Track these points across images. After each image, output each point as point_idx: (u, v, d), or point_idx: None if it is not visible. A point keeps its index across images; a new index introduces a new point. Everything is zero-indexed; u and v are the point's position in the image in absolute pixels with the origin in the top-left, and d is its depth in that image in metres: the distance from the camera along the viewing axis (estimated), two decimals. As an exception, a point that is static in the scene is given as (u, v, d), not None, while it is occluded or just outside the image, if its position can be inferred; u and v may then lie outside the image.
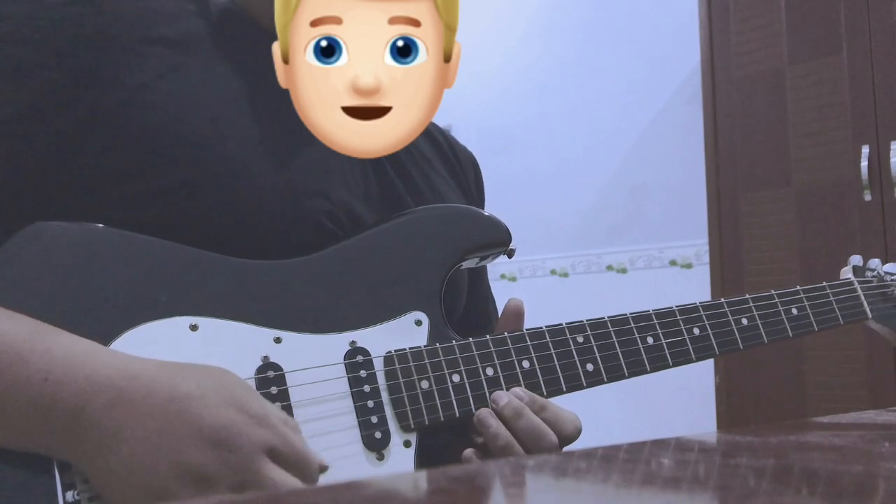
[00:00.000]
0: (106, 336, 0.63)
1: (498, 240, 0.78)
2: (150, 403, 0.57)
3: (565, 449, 0.73)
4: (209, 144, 0.70)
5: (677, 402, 2.75)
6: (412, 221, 0.77)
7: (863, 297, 0.91)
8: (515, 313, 0.79)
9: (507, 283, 3.20)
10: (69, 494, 0.59)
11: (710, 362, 2.32)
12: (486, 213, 0.80)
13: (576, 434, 0.73)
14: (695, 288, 2.70)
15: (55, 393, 0.57)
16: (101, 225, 0.67)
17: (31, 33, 0.68)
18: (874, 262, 0.96)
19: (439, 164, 0.91)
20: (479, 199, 0.96)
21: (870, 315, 0.91)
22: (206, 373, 0.60)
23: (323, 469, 0.62)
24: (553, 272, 3.14)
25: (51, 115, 0.67)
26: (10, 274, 0.63)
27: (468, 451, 0.71)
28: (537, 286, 3.15)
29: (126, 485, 0.56)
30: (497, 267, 3.16)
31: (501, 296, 0.96)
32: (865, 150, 2.09)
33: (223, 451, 0.56)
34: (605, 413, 2.85)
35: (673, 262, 2.90)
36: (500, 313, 0.95)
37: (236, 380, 0.60)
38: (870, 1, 2.13)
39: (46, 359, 0.58)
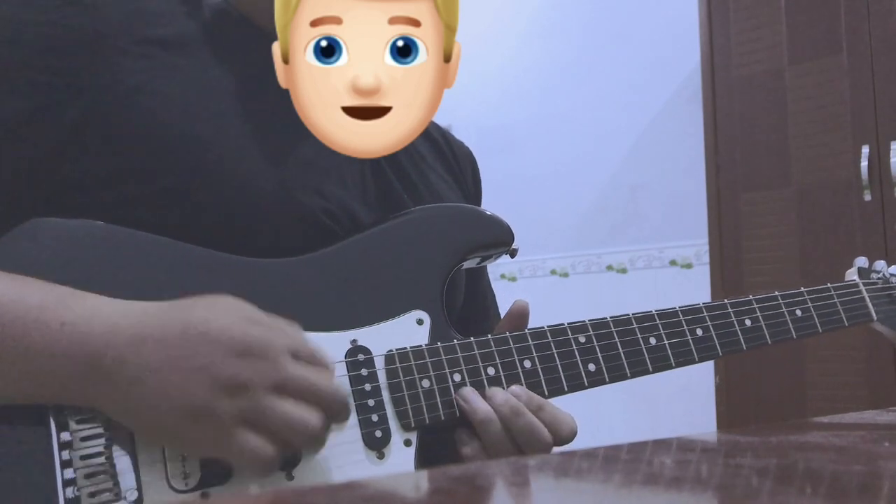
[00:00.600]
0: None
1: (501, 239, 0.78)
2: (171, 333, 0.59)
3: (566, 449, 0.72)
4: (204, 145, 0.70)
5: (678, 403, 2.75)
6: (415, 220, 0.77)
7: (868, 300, 0.90)
8: (519, 315, 0.79)
9: (507, 283, 3.20)
10: (64, 435, 0.60)
11: (710, 362, 2.32)
12: (490, 213, 0.80)
13: (571, 436, 0.73)
14: (695, 288, 2.70)
15: (73, 337, 0.59)
16: (100, 222, 0.67)
17: (23, 35, 0.67)
18: (880, 264, 0.95)
19: (437, 162, 0.90)
20: (477, 196, 0.96)
21: (875, 317, 0.90)
22: (213, 299, 0.62)
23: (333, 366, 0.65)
24: (553, 272, 3.14)
25: (42, 118, 0.67)
26: (7, 269, 0.63)
27: (467, 449, 0.71)
28: (537, 286, 3.15)
29: (165, 413, 0.58)
30: (497, 267, 3.16)
31: (501, 296, 0.96)
32: (865, 150, 2.09)
33: (251, 358, 0.59)
34: (606, 413, 2.85)
35: (673, 262, 2.90)
36: (500, 310, 0.95)
37: (241, 302, 0.63)
38: (870, 1, 2.13)
39: (62, 306, 0.60)
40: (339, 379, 0.68)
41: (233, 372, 0.58)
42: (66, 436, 0.60)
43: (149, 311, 0.61)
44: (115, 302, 0.62)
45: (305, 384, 0.60)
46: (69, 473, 0.60)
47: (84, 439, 0.60)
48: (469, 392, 0.70)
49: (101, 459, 0.60)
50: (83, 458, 0.60)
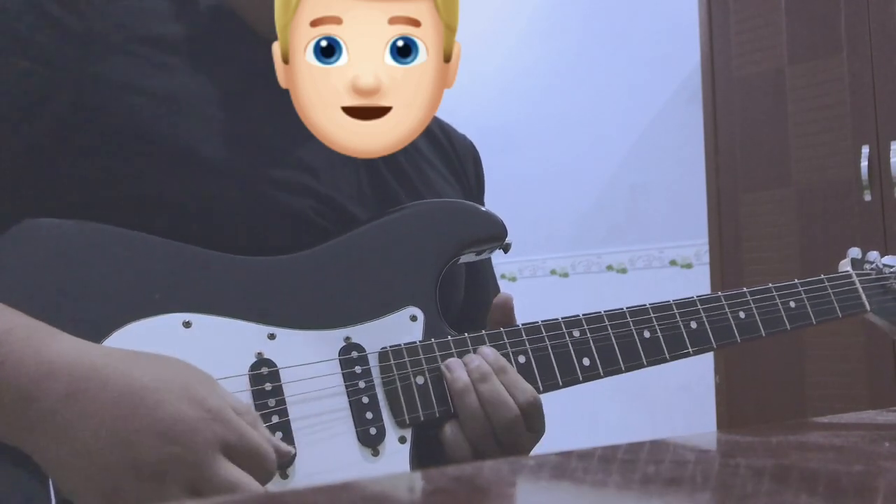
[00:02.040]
0: (98, 333, 0.63)
1: (493, 234, 0.78)
2: (104, 397, 0.55)
3: (565, 450, 0.72)
4: (192, 145, 0.70)
5: (677, 402, 2.75)
6: (406, 216, 0.76)
7: (861, 290, 0.90)
8: (501, 308, 0.78)
9: (507, 283, 3.20)
10: None
11: (710, 362, 2.32)
12: (482, 208, 0.80)
13: (529, 406, 0.70)
14: (695, 288, 2.70)
15: (9, 377, 0.56)
16: (92, 222, 0.66)
17: (13, 30, 0.67)
18: (873, 255, 0.95)
19: (436, 159, 0.90)
20: (479, 191, 0.96)
21: (868, 308, 0.90)
22: (164, 364, 0.59)
23: (286, 456, 0.60)
24: (553, 272, 3.14)
25: (29, 113, 0.67)
26: (1, 270, 0.63)
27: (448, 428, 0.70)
28: (537, 286, 3.14)
29: (79, 477, 0.55)
30: (497, 267, 3.15)
31: (501, 296, 0.96)
32: (865, 150, 2.09)
33: (176, 448, 0.54)
34: (605, 413, 2.85)
35: (673, 262, 2.90)
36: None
37: (195, 372, 0.59)
38: (870, 1, 2.13)
39: (4, 340, 0.57)
40: (332, 378, 0.68)
41: (153, 458, 0.54)
42: None
43: (91, 363, 0.57)
44: (61, 341, 0.58)
45: (225, 488, 0.55)
46: None
47: None
48: (454, 362, 0.70)
49: None
50: None
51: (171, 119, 0.69)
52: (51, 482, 0.58)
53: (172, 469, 0.54)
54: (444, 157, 0.92)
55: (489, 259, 0.91)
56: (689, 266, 2.87)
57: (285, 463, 0.62)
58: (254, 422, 0.59)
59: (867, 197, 2.08)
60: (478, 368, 0.70)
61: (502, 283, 3.18)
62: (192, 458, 0.55)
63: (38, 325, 0.59)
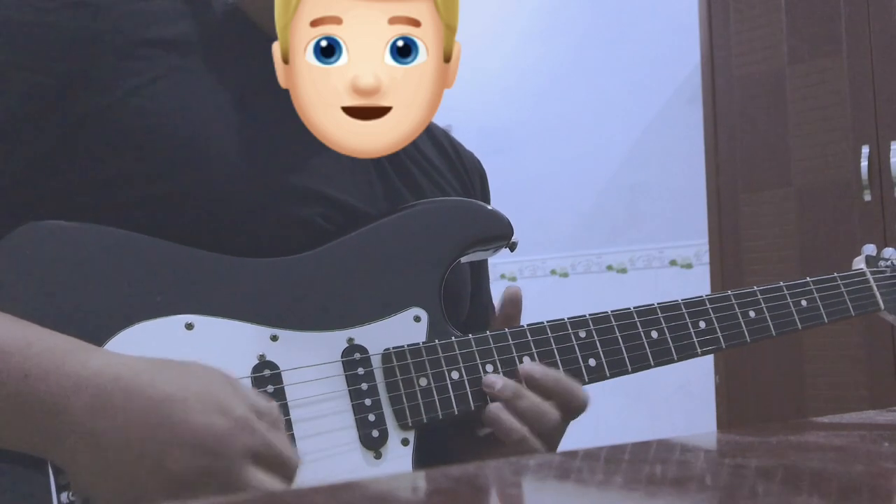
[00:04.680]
0: (101, 336, 0.63)
1: (500, 233, 0.77)
2: (131, 407, 0.55)
3: (565, 451, 0.72)
4: (204, 147, 0.69)
5: (677, 402, 2.75)
6: (410, 216, 0.76)
7: (875, 289, 0.88)
8: (511, 301, 0.77)
9: (507, 283, 3.19)
10: (63, 496, 0.59)
11: (710, 362, 2.32)
12: (488, 206, 0.79)
13: (584, 404, 0.72)
14: (695, 288, 2.70)
15: (35, 390, 0.56)
16: (97, 225, 0.66)
17: (19, 36, 0.67)
18: (888, 252, 0.93)
19: (446, 170, 0.90)
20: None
21: (882, 306, 0.88)
22: (190, 373, 0.58)
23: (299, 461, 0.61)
24: (553, 272, 3.14)
25: (38, 119, 0.67)
26: (4, 273, 0.63)
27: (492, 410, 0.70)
28: (537, 286, 3.14)
29: (108, 488, 0.55)
30: (497, 267, 3.16)
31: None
32: (865, 150, 2.09)
33: (206, 458, 0.54)
34: (606, 413, 2.85)
35: (673, 262, 2.90)
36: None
37: (221, 379, 0.59)
38: (870, 1, 2.13)
39: (27, 355, 0.57)
40: (335, 380, 0.68)
41: (183, 468, 0.54)
42: (65, 497, 0.59)
43: (116, 373, 0.57)
44: (82, 353, 0.59)
45: None
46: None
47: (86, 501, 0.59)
48: (498, 411, 0.70)
49: None
50: None
51: (181, 122, 0.69)
52: (52, 483, 0.58)
53: (203, 480, 0.54)
54: (453, 168, 0.91)
55: (486, 260, 0.91)
56: (689, 266, 2.87)
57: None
58: (276, 421, 0.59)
59: (867, 197, 2.08)
60: (506, 387, 0.70)
61: (502, 284, 3.19)
62: (221, 469, 0.55)
63: (57, 338, 0.59)
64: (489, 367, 0.72)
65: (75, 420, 0.56)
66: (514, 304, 0.77)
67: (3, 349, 0.57)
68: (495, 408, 0.70)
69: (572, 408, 0.72)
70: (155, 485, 0.54)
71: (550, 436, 0.71)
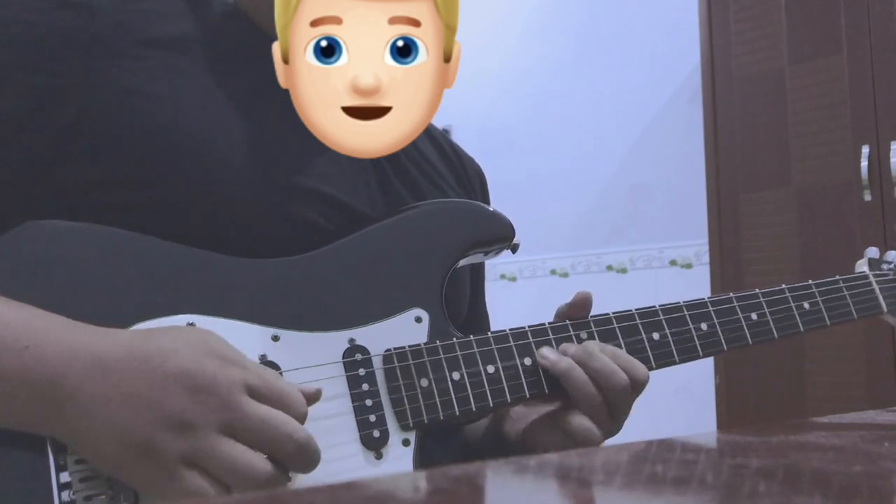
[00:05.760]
0: None
1: (501, 235, 0.77)
2: (126, 365, 0.58)
3: (565, 451, 0.72)
4: (203, 148, 0.69)
5: (677, 403, 2.75)
6: (412, 217, 0.76)
7: (878, 291, 0.88)
8: (583, 304, 0.77)
9: (507, 283, 3.19)
10: (63, 475, 0.59)
11: (710, 363, 2.32)
12: (490, 208, 0.79)
13: (646, 378, 0.74)
14: (695, 288, 2.70)
15: (35, 360, 0.58)
16: (96, 224, 0.66)
17: (19, 37, 0.67)
18: (891, 255, 0.93)
19: (446, 171, 0.90)
20: None
21: (885, 309, 0.88)
22: (179, 330, 0.61)
23: (314, 397, 0.62)
24: (553, 272, 3.14)
25: (36, 120, 0.67)
26: (3, 273, 0.63)
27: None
28: (537, 286, 3.14)
29: (110, 446, 0.57)
30: (497, 267, 3.16)
31: (502, 296, 0.97)
32: (865, 150, 2.09)
33: (202, 395, 0.57)
34: (605, 413, 2.85)
35: (673, 262, 2.90)
36: (490, 323, 0.94)
37: (210, 333, 0.61)
38: (870, 1, 2.13)
39: (27, 327, 0.59)
40: (336, 380, 0.68)
41: (180, 409, 0.56)
42: (64, 476, 0.60)
43: (113, 340, 0.59)
44: (80, 327, 0.60)
45: (257, 425, 0.57)
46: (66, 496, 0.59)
47: (83, 480, 0.60)
48: (545, 349, 0.73)
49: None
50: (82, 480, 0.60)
51: (181, 122, 0.69)
52: (51, 462, 0.59)
53: (202, 416, 0.56)
54: (453, 170, 0.91)
55: (483, 266, 0.91)
56: (689, 266, 2.87)
57: (314, 402, 0.62)
58: (273, 374, 0.61)
59: (867, 197, 2.08)
60: (580, 348, 0.73)
61: (503, 284, 3.19)
62: (218, 402, 0.57)
63: (56, 317, 0.61)
64: (490, 368, 0.72)
65: (74, 385, 0.57)
66: (585, 308, 0.77)
67: (3, 322, 0.59)
68: (567, 364, 0.71)
69: (636, 377, 0.73)
70: (157, 430, 0.56)
71: (619, 402, 0.72)
